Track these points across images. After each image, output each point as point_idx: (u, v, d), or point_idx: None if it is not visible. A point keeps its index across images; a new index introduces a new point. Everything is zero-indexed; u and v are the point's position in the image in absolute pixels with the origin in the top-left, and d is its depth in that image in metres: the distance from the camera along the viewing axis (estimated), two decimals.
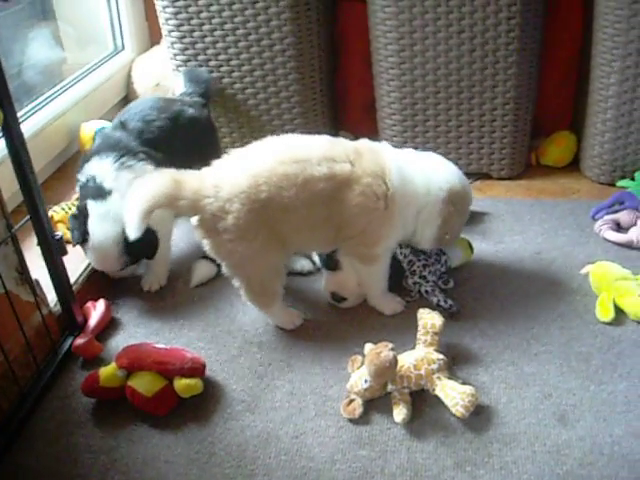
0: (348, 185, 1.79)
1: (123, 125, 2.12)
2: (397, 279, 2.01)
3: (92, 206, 1.96)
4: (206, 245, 1.84)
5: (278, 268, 1.89)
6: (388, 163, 1.84)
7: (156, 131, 2.13)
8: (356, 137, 2.00)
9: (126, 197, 1.84)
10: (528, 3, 2.31)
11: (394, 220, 1.86)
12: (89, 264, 2.06)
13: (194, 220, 1.81)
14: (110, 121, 2.78)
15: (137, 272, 2.14)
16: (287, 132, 2.59)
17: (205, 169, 1.83)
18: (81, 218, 1.96)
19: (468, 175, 2.12)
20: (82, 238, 1.96)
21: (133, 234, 1.74)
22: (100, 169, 2.00)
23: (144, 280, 2.14)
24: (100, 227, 1.94)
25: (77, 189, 2.06)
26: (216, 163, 1.84)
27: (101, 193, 1.96)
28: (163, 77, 2.97)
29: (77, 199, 2.08)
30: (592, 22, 2.38)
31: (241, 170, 1.78)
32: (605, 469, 1.49)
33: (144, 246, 2.00)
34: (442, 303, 1.94)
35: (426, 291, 1.98)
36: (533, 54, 2.44)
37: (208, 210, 1.76)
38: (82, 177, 2.02)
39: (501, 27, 2.33)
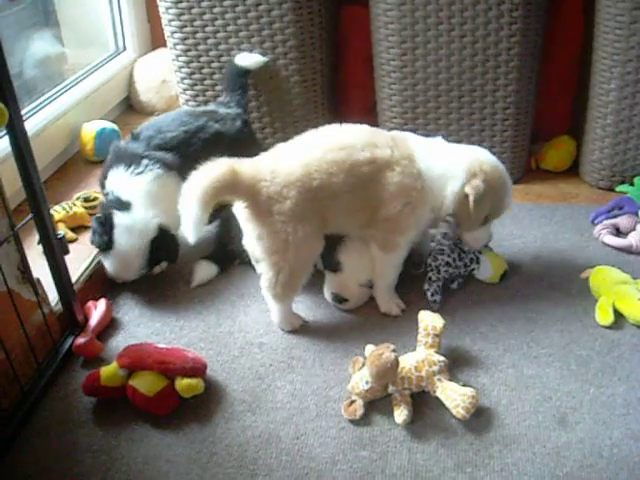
0: (389, 167, 1.85)
1: (135, 136, 2.15)
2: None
3: (118, 216, 2.01)
4: (251, 227, 1.84)
5: (312, 260, 1.93)
6: (414, 147, 1.91)
7: (167, 138, 2.14)
8: None
9: (147, 207, 1.99)
10: (529, 9, 2.32)
11: (427, 202, 1.90)
12: (90, 263, 2.07)
13: (243, 204, 1.81)
14: (111, 122, 2.80)
15: None
16: (287, 134, 2.62)
17: (257, 158, 1.87)
18: (107, 226, 2.00)
19: None
20: (106, 246, 2.01)
21: (192, 236, 1.75)
22: (115, 181, 2.06)
23: None
24: (126, 238, 2.00)
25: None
26: (265, 155, 1.89)
27: (123, 204, 2.02)
28: (169, 72, 2.97)
29: (102, 207, 2.11)
30: (593, 28, 2.40)
31: (293, 159, 1.83)
32: (604, 471, 1.50)
33: (166, 254, 2.07)
34: (429, 295, 1.98)
35: (429, 277, 2.01)
36: (534, 59, 2.45)
37: (264, 192, 1.79)
38: (105, 190, 2.10)
39: (503, 32, 2.34)
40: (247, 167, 1.81)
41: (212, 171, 1.76)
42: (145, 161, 2.06)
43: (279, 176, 1.80)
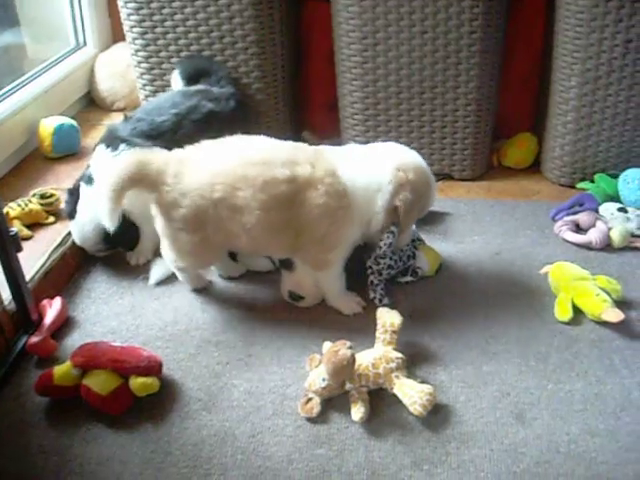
0: (311, 186, 1.79)
1: (127, 118, 2.19)
2: (359, 277, 2.01)
3: (83, 189, 2.11)
4: (157, 223, 1.91)
5: (211, 264, 2.05)
6: (336, 161, 1.84)
7: (155, 124, 2.16)
8: (319, 137, 1.98)
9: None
10: (490, 5, 2.32)
11: (354, 219, 1.84)
12: (46, 261, 2.03)
13: (152, 198, 1.85)
14: (71, 117, 2.76)
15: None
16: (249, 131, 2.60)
17: (175, 152, 1.88)
18: (74, 197, 2.13)
19: None
20: (70, 215, 2.12)
21: (109, 224, 1.81)
22: (95, 157, 2.13)
23: (129, 255, 2.20)
24: (84, 210, 2.08)
25: None
26: (183, 151, 1.87)
27: (90, 179, 2.08)
28: (126, 67, 2.93)
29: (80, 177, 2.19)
30: (554, 25, 2.40)
31: (203, 165, 1.82)
32: (561, 467, 1.50)
33: (123, 238, 2.07)
34: (377, 301, 1.96)
35: (371, 282, 1.98)
36: (495, 56, 2.45)
37: (164, 196, 1.82)
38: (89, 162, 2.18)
39: (464, 28, 2.34)
40: (158, 161, 1.84)
41: (122, 164, 1.82)
42: (122, 145, 2.08)
43: (181, 182, 1.81)
